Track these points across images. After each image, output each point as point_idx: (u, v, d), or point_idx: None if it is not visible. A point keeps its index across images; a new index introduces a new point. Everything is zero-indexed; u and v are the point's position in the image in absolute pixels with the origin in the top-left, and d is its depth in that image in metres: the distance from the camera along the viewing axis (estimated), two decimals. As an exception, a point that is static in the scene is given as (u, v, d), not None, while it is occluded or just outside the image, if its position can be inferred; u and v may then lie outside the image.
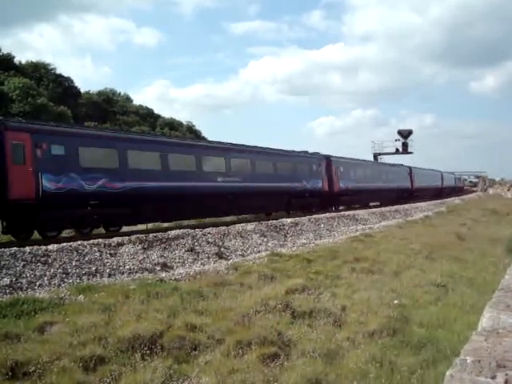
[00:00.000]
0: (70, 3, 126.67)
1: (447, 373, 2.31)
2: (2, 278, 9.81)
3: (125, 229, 17.92)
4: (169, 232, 14.77)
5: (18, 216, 14.51)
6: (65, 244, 12.07)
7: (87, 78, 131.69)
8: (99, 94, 62.96)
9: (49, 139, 15.22)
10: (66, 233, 17.12)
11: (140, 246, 13.09)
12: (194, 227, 16.73)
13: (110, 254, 12.27)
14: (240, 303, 8.22)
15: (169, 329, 6.81)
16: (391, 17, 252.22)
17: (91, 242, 12.61)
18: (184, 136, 52.41)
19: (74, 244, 12.15)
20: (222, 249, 14.78)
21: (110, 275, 11.23)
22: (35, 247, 11.40)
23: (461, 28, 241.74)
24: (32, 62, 54.79)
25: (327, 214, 24.40)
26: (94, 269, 11.31)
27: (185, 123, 72.11)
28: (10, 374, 5.43)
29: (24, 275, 10.19)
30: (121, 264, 11.94)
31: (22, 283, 9.89)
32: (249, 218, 23.50)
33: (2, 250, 10.84)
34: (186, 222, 20.65)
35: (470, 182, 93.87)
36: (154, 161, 18.87)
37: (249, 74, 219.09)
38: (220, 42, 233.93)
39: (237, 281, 10.26)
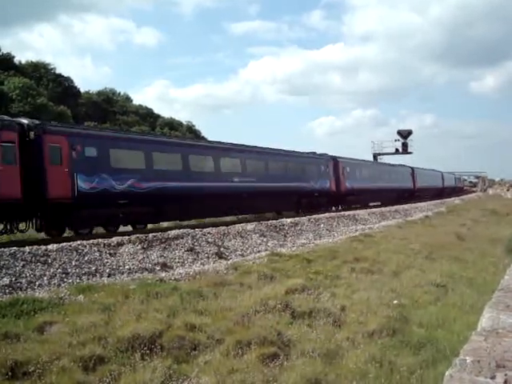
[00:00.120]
0: (70, 3, 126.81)
1: (447, 373, 2.32)
2: (2, 277, 9.80)
3: (123, 229, 17.95)
4: (168, 232, 14.77)
5: (55, 214, 15.24)
6: (64, 244, 12.07)
7: (87, 78, 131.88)
8: (99, 93, 62.99)
9: (83, 141, 16.18)
10: (65, 233, 17.13)
11: (140, 246, 13.09)
12: (193, 227, 16.75)
13: (110, 254, 12.26)
14: (240, 303, 8.22)
15: (168, 329, 6.80)
16: (391, 17, 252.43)
17: (91, 241, 12.61)
18: (184, 136, 52.43)
19: (73, 244, 12.15)
20: (222, 249, 14.78)
21: (109, 275, 11.23)
22: (35, 247, 11.40)
23: (461, 28, 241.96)
24: (32, 61, 54.89)
25: (327, 214, 24.41)
26: (93, 269, 11.31)
27: (185, 123, 72.16)
28: (9, 373, 5.43)
29: (24, 275, 10.18)
30: (120, 264, 11.94)
31: (21, 283, 9.88)
32: (249, 217, 23.55)
33: (2, 249, 10.84)
34: (185, 222, 20.68)
35: (470, 182, 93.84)
36: (176, 162, 19.78)
37: (249, 73, 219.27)
38: (220, 42, 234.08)
39: (236, 281, 10.26)
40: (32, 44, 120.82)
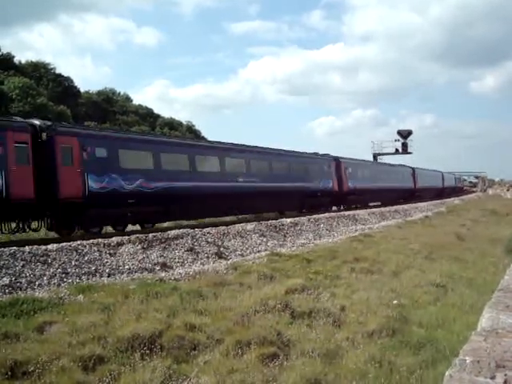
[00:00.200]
0: (70, 3, 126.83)
1: (446, 373, 2.31)
2: (2, 277, 9.80)
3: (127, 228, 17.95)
4: (168, 232, 14.77)
5: (66, 214, 15.57)
6: (64, 244, 12.07)
7: (87, 78, 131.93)
8: (99, 93, 62.96)
9: (93, 142, 16.56)
10: (75, 232, 17.14)
11: (139, 246, 13.09)
12: (193, 227, 16.76)
13: (110, 254, 12.26)
14: (239, 303, 8.22)
15: (168, 328, 6.80)
16: (391, 17, 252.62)
17: (90, 241, 12.61)
18: (184, 136, 52.40)
19: (73, 244, 12.15)
20: (222, 249, 14.78)
21: (109, 275, 11.23)
22: (35, 247, 11.40)
23: (461, 28, 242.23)
24: (32, 61, 54.85)
25: (327, 214, 24.42)
26: (93, 268, 11.31)
27: (184, 123, 72.12)
28: (9, 373, 5.43)
29: (23, 275, 10.18)
30: (120, 264, 11.94)
31: (21, 283, 9.88)
32: (248, 217, 23.57)
33: (2, 249, 10.84)
34: (185, 222, 20.68)
35: (470, 182, 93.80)
36: (183, 162, 20.24)
37: (249, 73, 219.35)
38: (220, 42, 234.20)
39: (236, 281, 10.26)
40: (32, 44, 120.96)
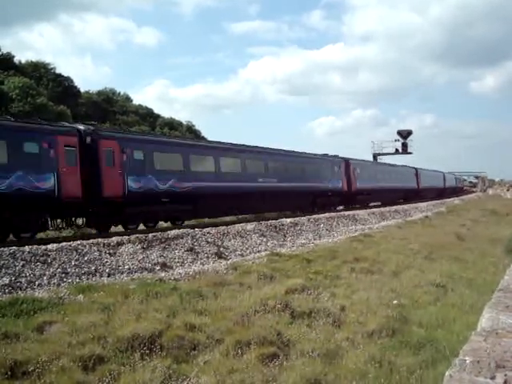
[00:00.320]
0: (70, 2, 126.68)
1: (446, 373, 2.31)
2: (2, 277, 9.81)
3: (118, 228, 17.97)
4: (168, 232, 14.78)
5: (108, 211, 16.82)
6: (64, 244, 12.08)
7: (87, 78, 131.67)
8: (99, 93, 62.88)
9: (131, 145, 17.98)
10: (65, 232, 17.16)
11: (139, 246, 13.09)
12: (193, 227, 16.78)
13: (110, 254, 12.27)
14: (239, 303, 8.22)
15: (168, 328, 6.80)
16: (391, 17, 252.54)
17: (90, 241, 12.62)
18: (184, 135, 52.41)
19: (73, 244, 12.16)
20: (222, 249, 14.79)
21: (109, 275, 11.23)
22: (35, 247, 11.41)
23: (461, 28, 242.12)
24: (32, 61, 54.72)
25: (327, 214, 24.44)
26: (93, 268, 11.31)
27: (184, 123, 72.03)
28: (9, 373, 5.43)
29: (23, 275, 10.19)
30: (120, 264, 11.94)
31: (21, 283, 9.89)
32: (248, 217, 23.64)
33: (2, 249, 10.84)
34: (185, 222, 20.73)
35: (470, 182, 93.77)
36: (209, 164, 21.82)
37: (249, 73, 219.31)
38: (220, 42, 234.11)
39: (236, 281, 10.26)
40: (32, 44, 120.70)
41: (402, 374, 5.40)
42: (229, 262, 12.98)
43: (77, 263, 11.28)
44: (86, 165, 16.04)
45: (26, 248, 11.17)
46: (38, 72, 52.27)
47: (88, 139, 16.45)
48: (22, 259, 10.67)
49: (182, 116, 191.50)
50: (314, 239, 18.60)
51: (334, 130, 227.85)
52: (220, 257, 14.14)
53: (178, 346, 6.33)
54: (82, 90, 59.59)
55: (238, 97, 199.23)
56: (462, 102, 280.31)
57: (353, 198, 34.58)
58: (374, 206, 35.28)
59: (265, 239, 16.97)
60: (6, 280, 9.71)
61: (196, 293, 8.98)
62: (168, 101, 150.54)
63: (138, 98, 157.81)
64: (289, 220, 20.31)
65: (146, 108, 69.49)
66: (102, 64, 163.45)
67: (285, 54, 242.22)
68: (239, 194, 22.32)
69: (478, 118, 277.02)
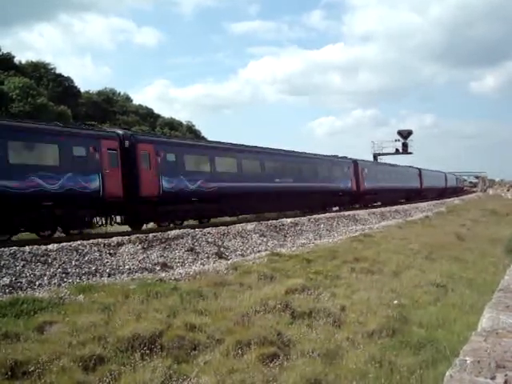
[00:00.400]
0: (70, 2, 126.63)
1: (447, 373, 2.31)
2: (2, 277, 9.80)
3: (121, 228, 18.00)
4: (169, 232, 14.78)
5: (145, 209, 18.18)
6: (64, 244, 12.07)
7: (87, 78, 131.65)
8: (99, 93, 62.90)
9: (164, 148, 19.48)
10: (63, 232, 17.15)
11: (140, 246, 13.09)
12: (193, 227, 16.82)
13: (110, 254, 12.27)
14: (240, 303, 8.22)
15: (168, 329, 6.81)
16: (391, 17, 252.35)
17: (91, 241, 12.62)
18: (184, 135, 52.43)
19: (73, 244, 12.16)
20: (222, 249, 14.79)
21: (109, 275, 11.23)
22: (35, 247, 11.41)
23: (461, 28, 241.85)
24: (32, 61, 54.73)
25: (327, 214, 24.47)
26: (93, 268, 11.31)
27: (185, 123, 72.05)
28: (9, 373, 5.43)
29: (24, 275, 10.19)
30: (120, 264, 11.94)
31: (21, 283, 9.88)
32: (249, 217, 23.71)
33: (2, 249, 10.85)
34: (185, 222, 20.79)
35: (470, 182, 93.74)
36: (232, 165, 23.30)
37: (249, 73, 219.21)
38: (220, 42, 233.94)
39: (236, 281, 10.26)
40: (32, 44, 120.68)
41: (403, 374, 5.40)
42: (229, 262, 12.97)
43: (77, 263, 11.28)
44: (126, 166, 17.42)
45: (27, 248, 11.17)
46: (38, 72, 52.28)
47: (126, 143, 17.86)
48: (22, 259, 10.67)
49: (182, 116, 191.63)
50: (315, 239, 18.59)
51: (334, 129, 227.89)
52: (220, 257, 14.14)
53: (179, 346, 6.33)
54: (82, 90, 59.66)
55: (238, 97, 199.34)
56: (462, 101, 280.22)
57: (361, 198, 36.06)
58: (374, 206, 35.33)
59: (265, 239, 16.97)
60: (7, 280, 9.71)
61: (196, 293, 8.98)
62: (168, 101, 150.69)
63: (138, 98, 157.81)
64: (289, 220, 20.31)
65: (146, 108, 69.53)
66: (101, 64, 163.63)
67: (285, 54, 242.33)
68: (258, 194, 23.75)
69: (477, 118, 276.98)
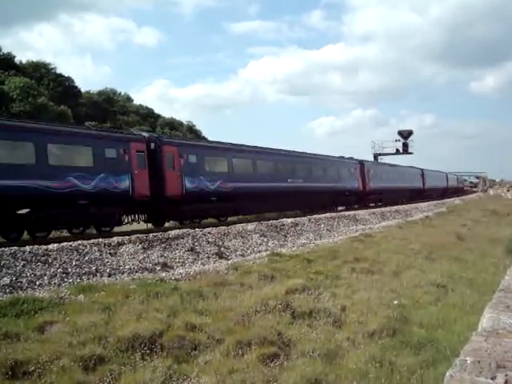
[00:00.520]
0: (70, 2, 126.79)
1: (447, 373, 2.32)
2: (2, 277, 9.80)
3: (122, 228, 18.00)
4: (169, 232, 14.78)
5: (169, 208, 19.19)
6: (65, 244, 12.07)
7: (87, 78, 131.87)
8: (99, 93, 62.90)
9: (187, 150, 20.50)
10: (65, 232, 17.17)
11: (140, 246, 13.09)
12: (193, 227, 16.82)
13: (110, 254, 12.27)
14: (240, 303, 8.22)
15: (169, 328, 6.80)
16: (391, 17, 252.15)
17: (91, 241, 12.62)
18: (184, 135, 52.40)
19: (74, 244, 12.15)
20: (222, 249, 14.79)
21: (110, 275, 11.23)
22: (35, 247, 11.41)
23: (461, 28, 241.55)
24: (32, 61, 54.74)
25: (327, 214, 24.46)
26: (94, 268, 11.31)
27: (185, 123, 72.07)
28: (9, 373, 5.43)
29: (24, 274, 10.18)
30: (121, 264, 11.94)
31: (22, 282, 9.88)
32: (249, 218, 23.77)
33: (2, 249, 10.84)
34: (185, 222, 20.79)
35: (471, 182, 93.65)
36: (248, 166, 24.39)
37: (249, 73, 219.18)
38: (220, 42, 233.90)
39: (237, 281, 10.26)
40: (32, 44, 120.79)
41: (403, 374, 5.40)
42: (229, 262, 12.97)
43: (77, 263, 11.28)
44: (152, 168, 18.43)
45: (27, 248, 11.17)
46: (39, 72, 52.29)
47: (152, 145, 18.87)
48: (22, 259, 10.67)
49: (182, 116, 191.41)
50: (315, 239, 18.59)
51: (334, 130, 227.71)
52: (221, 257, 14.14)
53: (179, 346, 6.33)
54: (83, 90, 59.64)
55: (238, 97, 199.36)
56: (462, 102, 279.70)
57: (367, 198, 37.04)
58: (375, 207, 35.38)
59: (265, 239, 16.97)
60: (7, 280, 9.71)
61: (197, 293, 8.98)
62: (168, 101, 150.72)
63: (138, 98, 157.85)
64: (289, 220, 20.31)
65: (147, 108, 69.56)
66: (101, 64, 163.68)
67: (285, 54, 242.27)
68: (272, 193, 24.73)
69: (478, 118, 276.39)
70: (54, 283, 10.19)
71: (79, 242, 12.43)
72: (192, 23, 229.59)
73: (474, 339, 2.77)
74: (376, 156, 54.45)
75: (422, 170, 52.00)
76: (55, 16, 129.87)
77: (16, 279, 9.91)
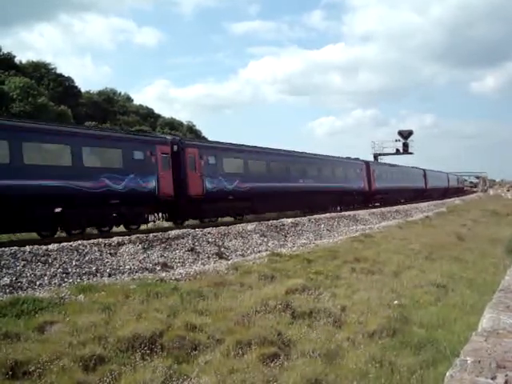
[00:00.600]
0: (70, 2, 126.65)
1: (447, 373, 2.32)
2: (3, 277, 9.80)
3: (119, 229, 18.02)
4: (169, 232, 14.77)
5: (192, 207, 20.23)
6: (65, 244, 12.07)
7: (87, 78, 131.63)
8: (100, 93, 62.87)
9: (207, 152, 21.51)
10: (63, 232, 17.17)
11: (140, 246, 13.09)
12: (194, 227, 16.83)
13: (111, 254, 12.27)
14: (240, 303, 8.22)
15: (169, 329, 6.81)
16: (392, 17, 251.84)
17: (91, 241, 12.61)
18: (185, 135, 52.37)
19: (74, 244, 12.15)
20: (222, 249, 14.78)
21: (110, 275, 11.23)
22: (35, 247, 11.40)
23: (461, 28, 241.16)
24: (32, 61, 54.75)
25: (327, 214, 24.48)
26: (94, 268, 11.31)
27: (185, 123, 72.06)
28: (9, 373, 5.43)
29: (24, 275, 10.18)
30: (121, 264, 11.94)
31: (22, 283, 9.88)
32: (249, 218, 23.81)
33: (3, 249, 10.84)
34: (185, 222, 20.84)
35: (471, 182, 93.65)
36: (263, 167, 25.49)
37: (249, 73, 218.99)
38: (220, 42, 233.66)
39: (237, 281, 10.26)
40: (32, 44, 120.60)
41: (403, 374, 5.40)
42: (229, 262, 12.97)
43: (77, 263, 11.28)
44: (175, 169, 19.42)
45: (27, 248, 11.17)
46: (39, 72, 52.29)
47: (175, 147, 19.89)
48: (22, 259, 10.67)
49: (183, 116, 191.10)
50: (315, 239, 18.59)
51: (334, 130, 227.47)
52: (221, 257, 14.13)
53: (179, 346, 6.33)
54: (83, 90, 59.62)
55: (239, 97, 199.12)
56: (462, 102, 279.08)
57: (372, 198, 38.34)
58: (375, 207, 35.42)
59: (265, 239, 16.96)
60: (7, 280, 9.71)
61: (197, 293, 8.98)
62: (168, 101, 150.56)
63: (138, 98, 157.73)
64: (289, 220, 20.31)
65: (147, 108, 69.52)
66: (102, 64, 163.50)
67: (285, 54, 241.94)
68: (284, 193, 25.90)
69: (478, 118, 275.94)
70: (54, 283, 10.18)
71: (79, 241, 12.42)
72: (192, 23, 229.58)
73: (474, 339, 2.77)
74: (376, 156, 54.41)
75: (424, 170, 52.72)
76: (55, 16, 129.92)
77: (16, 279, 9.91)
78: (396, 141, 55.83)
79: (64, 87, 53.78)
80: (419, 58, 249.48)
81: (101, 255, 12.02)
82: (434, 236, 18.66)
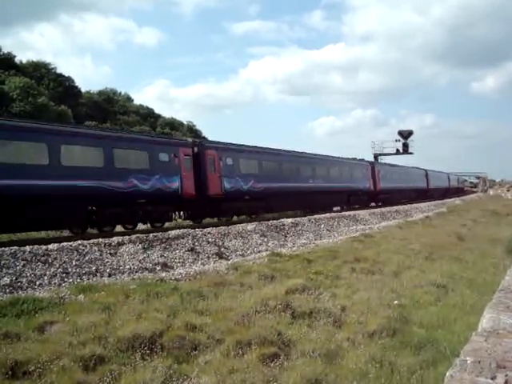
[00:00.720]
0: (71, 2, 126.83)
1: (447, 373, 2.32)
2: (2, 277, 9.80)
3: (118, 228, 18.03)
4: (169, 232, 14.77)
5: (211, 206, 21.31)
6: (65, 243, 12.06)
7: (87, 78, 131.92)
8: (100, 93, 62.91)
9: (225, 154, 22.35)
10: (65, 232, 17.19)
11: (140, 246, 13.09)
12: (193, 227, 16.83)
13: (111, 254, 12.26)
14: (240, 303, 8.22)
15: (169, 329, 6.80)
16: (392, 17, 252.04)
17: (91, 241, 12.61)
18: (185, 135, 52.34)
19: (74, 243, 12.15)
20: (222, 249, 14.78)
21: (110, 275, 11.22)
22: (35, 246, 11.39)
23: (462, 28, 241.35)
24: (32, 61, 54.80)
25: (327, 214, 24.47)
26: (94, 268, 11.31)
27: (185, 123, 72.06)
28: (9, 373, 5.43)
29: (24, 274, 10.18)
30: (121, 264, 11.94)
31: (22, 282, 9.88)
32: (249, 218, 23.82)
33: (3, 249, 10.83)
34: (186, 223, 20.87)
35: (471, 182, 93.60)
36: (276, 168, 26.37)
37: (249, 73, 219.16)
38: (220, 42, 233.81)
39: (237, 281, 10.25)
40: (32, 44, 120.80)
41: (403, 374, 5.40)
42: (229, 262, 12.97)
43: (77, 263, 11.28)
44: (196, 170, 20.37)
45: (27, 248, 11.16)
46: (39, 72, 52.33)
47: (195, 149, 20.88)
48: (22, 259, 10.66)
49: (183, 116, 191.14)
50: (315, 239, 18.58)
51: (334, 130, 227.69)
52: (221, 257, 14.13)
53: (179, 346, 6.33)
54: (83, 90, 59.64)
55: (239, 97, 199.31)
56: (463, 102, 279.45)
57: (377, 197, 39.45)
58: (375, 207, 35.44)
59: (265, 239, 16.96)
60: (7, 280, 9.71)
61: (197, 293, 8.98)
62: (168, 101, 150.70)
63: (139, 98, 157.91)
64: (289, 220, 20.30)
65: (147, 108, 69.56)
66: (102, 64, 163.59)
67: (285, 54, 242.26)
68: (296, 193, 27.03)
69: (478, 118, 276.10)
70: (54, 283, 10.18)
71: (79, 241, 12.41)
72: (192, 23, 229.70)
73: (474, 339, 2.77)
74: (376, 156, 54.36)
75: (426, 170, 53.57)
76: (55, 16, 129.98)
77: (16, 279, 9.91)
78: (396, 141, 55.81)
79: (64, 87, 53.81)
80: (419, 58, 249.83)
81: (101, 255, 12.02)
82: (434, 236, 18.65)
